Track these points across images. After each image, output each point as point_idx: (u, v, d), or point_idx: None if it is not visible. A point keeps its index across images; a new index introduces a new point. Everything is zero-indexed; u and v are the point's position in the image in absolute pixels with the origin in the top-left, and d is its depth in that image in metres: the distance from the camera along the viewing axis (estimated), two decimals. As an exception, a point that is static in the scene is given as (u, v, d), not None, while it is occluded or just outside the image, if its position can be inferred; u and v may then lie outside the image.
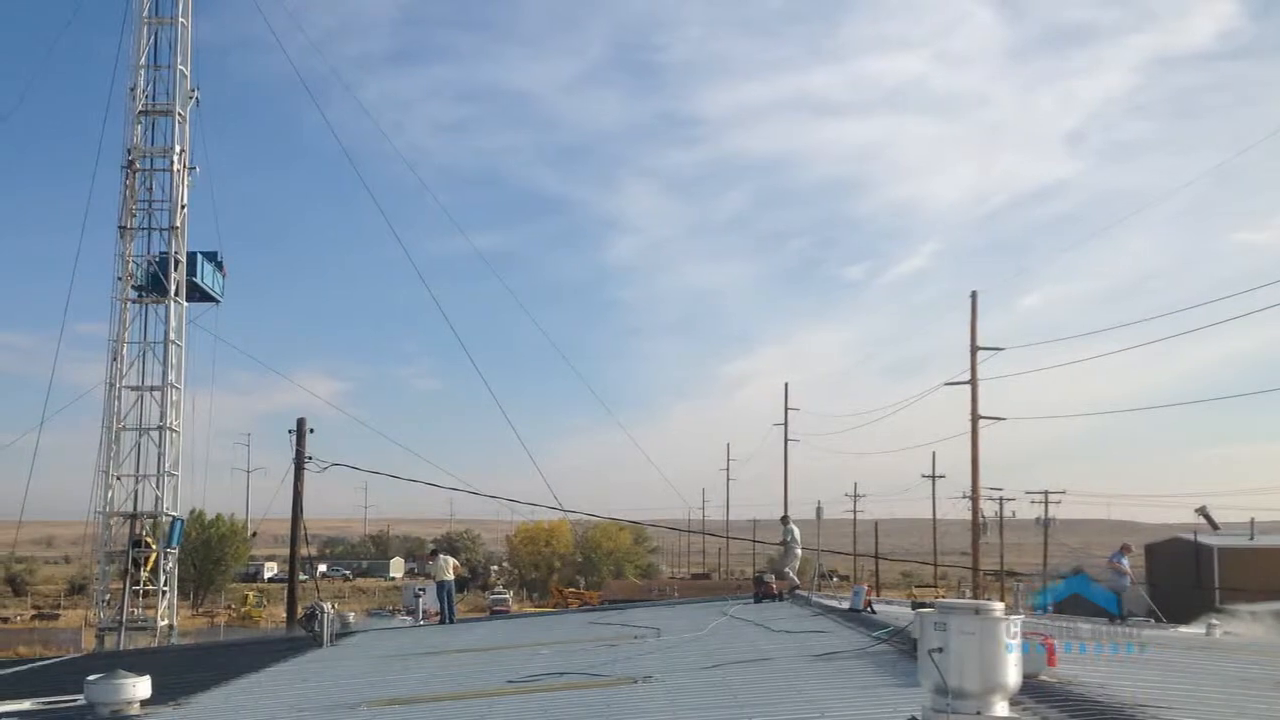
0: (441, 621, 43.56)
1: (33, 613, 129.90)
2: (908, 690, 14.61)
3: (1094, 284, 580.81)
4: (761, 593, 35.91)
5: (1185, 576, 65.65)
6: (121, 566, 56.63)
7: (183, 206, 58.51)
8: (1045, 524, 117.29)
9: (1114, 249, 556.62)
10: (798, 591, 37.73)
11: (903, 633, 20.14)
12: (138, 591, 56.48)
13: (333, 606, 35.57)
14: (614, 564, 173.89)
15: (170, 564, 58.09)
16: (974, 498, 72.38)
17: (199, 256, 60.60)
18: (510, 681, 21.06)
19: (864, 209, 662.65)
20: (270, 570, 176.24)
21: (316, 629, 32.61)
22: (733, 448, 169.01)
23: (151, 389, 58.05)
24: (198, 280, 59.91)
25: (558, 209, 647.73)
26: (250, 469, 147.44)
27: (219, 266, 63.00)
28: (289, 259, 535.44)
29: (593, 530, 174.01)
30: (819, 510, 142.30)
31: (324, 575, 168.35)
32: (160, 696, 20.87)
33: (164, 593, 57.10)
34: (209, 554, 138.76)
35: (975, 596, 59.93)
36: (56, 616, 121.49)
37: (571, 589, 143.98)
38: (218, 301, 62.84)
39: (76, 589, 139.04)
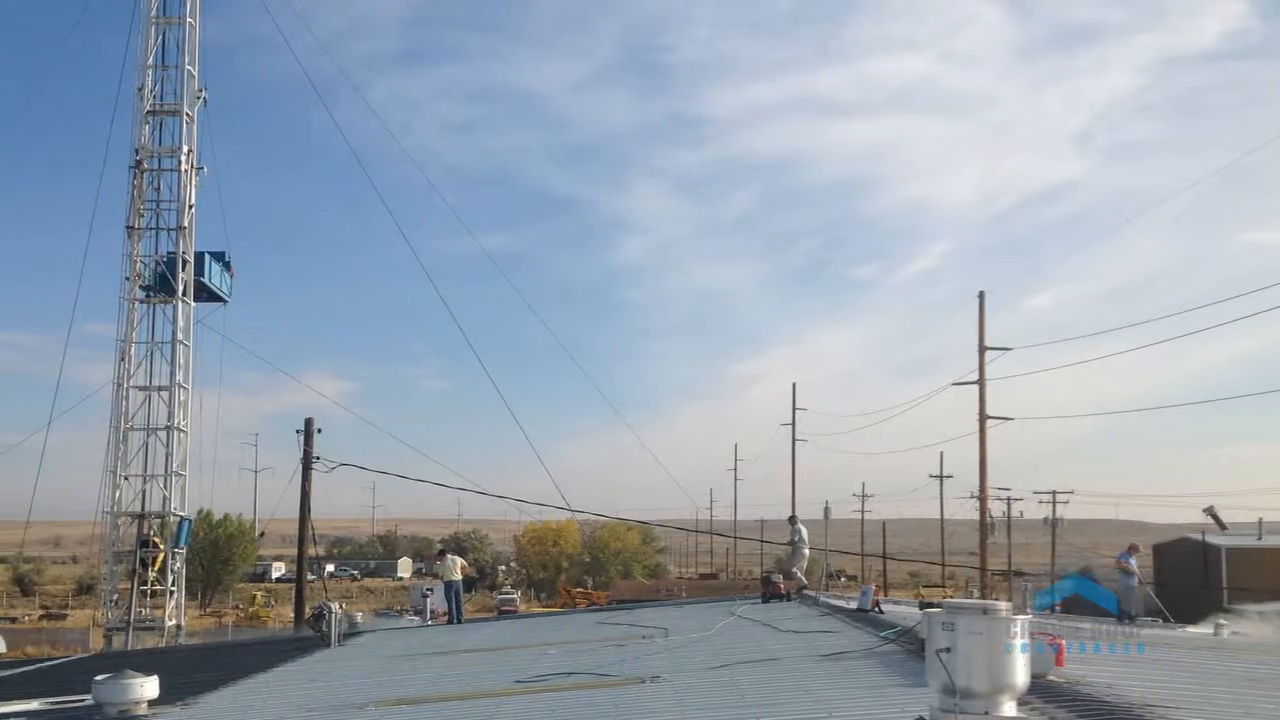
0: (449, 621, 43.53)
1: (40, 613, 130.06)
2: (915, 690, 14.60)
3: (1101, 284, 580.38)
4: (769, 593, 35.93)
5: (1193, 576, 65.55)
6: (129, 566, 56.63)
7: (190, 206, 58.49)
8: (1053, 524, 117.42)
9: (1122, 249, 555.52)
10: (805, 591, 37.73)
11: (910, 633, 20.15)
12: (145, 591, 56.43)
13: (340, 606, 35.59)
14: (622, 564, 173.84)
15: (178, 564, 58.02)
16: (982, 498, 72.38)
17: (207, 256, 60.59)
18: (518, 681, 21.07)
19: (873, 209, 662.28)
20: (278, 570, 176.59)
21: (324, 629, 32.61)
22: (741, 448, 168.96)
23: (159, 389, 58.04)
24: (205, 280, 59.92)
25: (566, 209, 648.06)
26: (258, 469, 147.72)
27: (227, 267, 62.98)
28: (297, 259, 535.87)
29: (600, 530, 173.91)
30: (827, 510, 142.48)
31: (332, 575, 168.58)
32: (168, 696, 20.88)
33: (172, 593, 57.07)
34: (217, 554, 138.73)
35: (983, 596, 59.93)
36: (64, 616, 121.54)
37: (579, 589, 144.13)
38: (225, 302, 62.86)
39: (84, 589, 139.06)
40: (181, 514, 57.65)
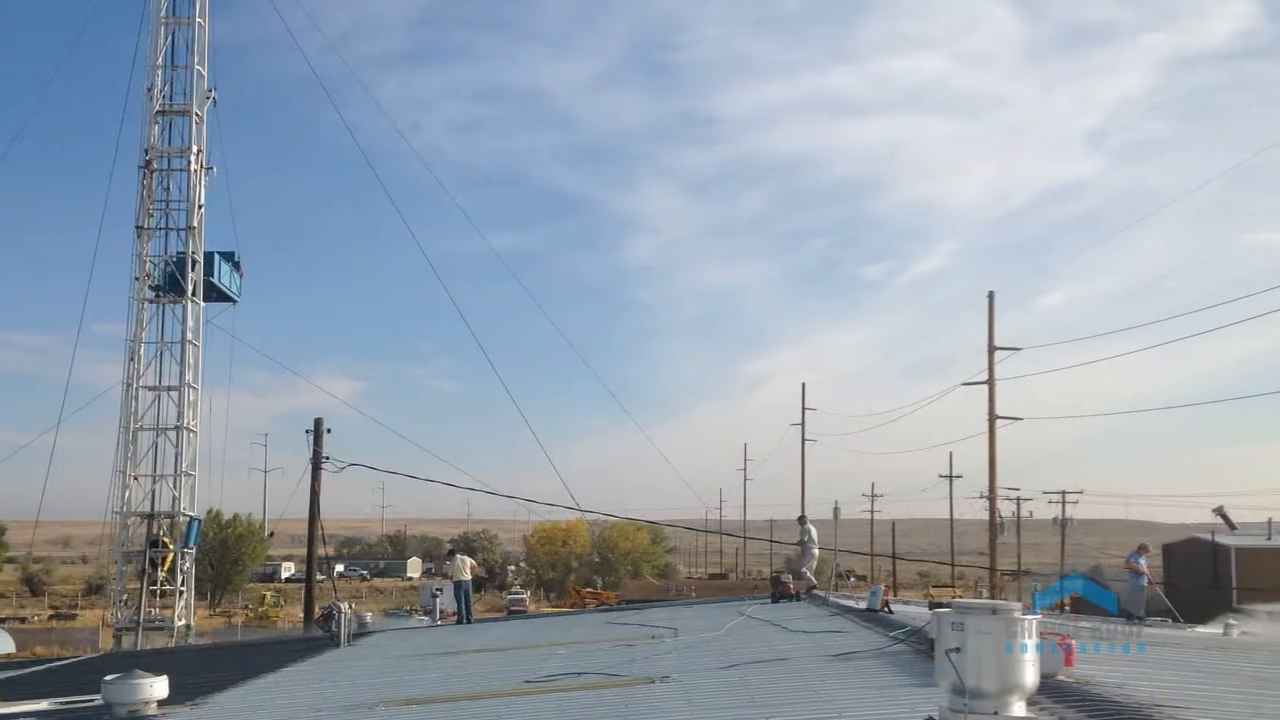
0: (459, 621, 43.55)
1: (50, 613, 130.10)
2: (925, 690, 14.58)
3: (1111, 284, 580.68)
4: (779, 593, 35.88)
5: (1203, 576, 65.46)
6: (139, 566, 56.73)
7: (200, 206, 58.64)
8: (1063, 524, 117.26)
9: (1131, 249, 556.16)
10: (815, 591, 37.69)
11: (920, 633, 20.12)
12: (155, 591, 56.58)
13: (350, 606, 35.60)
14: (631, 564, 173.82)
15: (187, 564, 58.18)
16: (991, 498, 72.37)
17: (216, 256, 60.72)
18: (527, 681, 21.07)
19: (883, 209, 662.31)
20: (287, 570, 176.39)
21: (334, 629, 32.63)
22: (750, 448, 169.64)
23: (169, 389, 58.16)
24: (215, 280, 60.02)
25: (576, 209, 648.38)
26: (267, 469, 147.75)
27: (236, 266, 63.09)
28: (306, 259, 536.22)
29: (610, 530, 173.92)
30: (836, 510, 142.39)
31: (341, 575, 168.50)
32: (177, 696, 20.89)
33: (181, 593, 57.19)
34: (226, 554, 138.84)
35: (992, 596, 59.89)
36: (74, 616, 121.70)
37: (589, 589, 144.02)
38: (235, 301, 62.96)
39: (94, 589, 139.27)
40: (191, 514, 57.74)
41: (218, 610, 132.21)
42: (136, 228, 57.70)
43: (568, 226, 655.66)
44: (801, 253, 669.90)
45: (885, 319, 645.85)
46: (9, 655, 23.63)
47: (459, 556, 45.32)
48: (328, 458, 45.03)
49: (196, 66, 59.01)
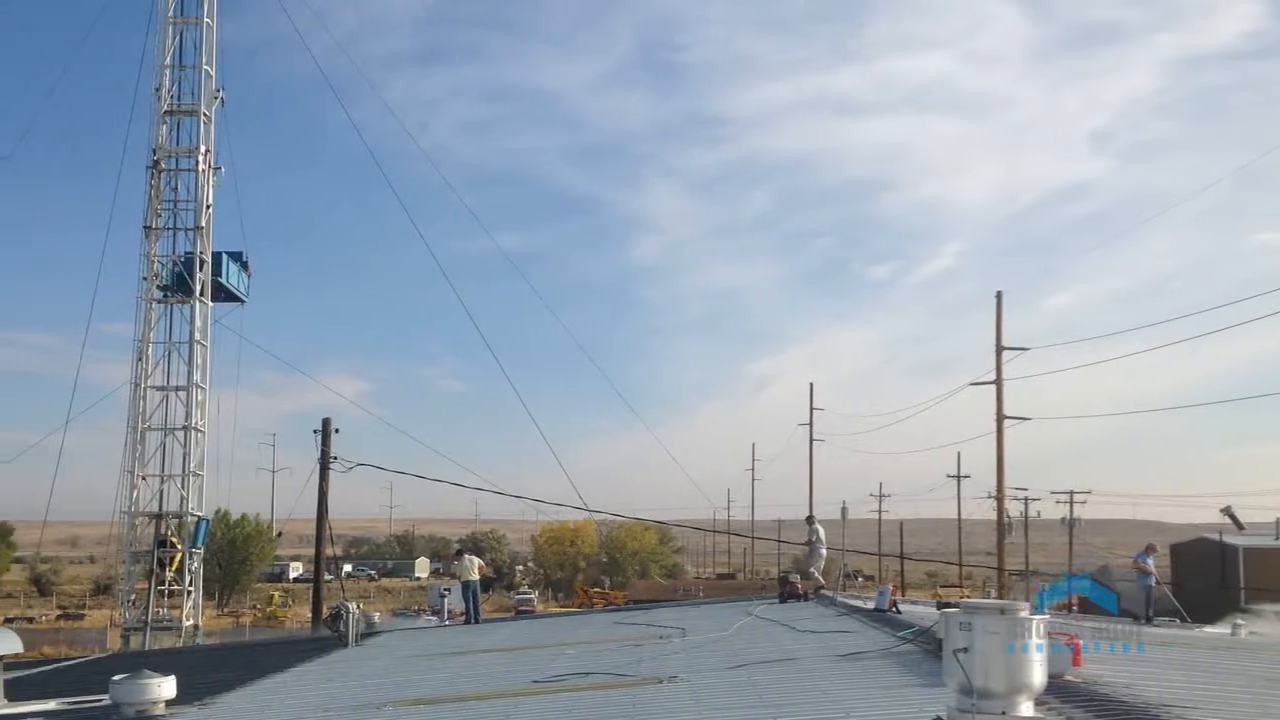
0: (467, 621, 43.52)
1: (58, 613, 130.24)
2: (933, 690, 14.58)
3: (1118, 284, 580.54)
4: (786, 593, 35.90)
5: (1210, 576, 65.49)
6: (147, 566, 56.77)
7: (208, 206, 58.64)
8: (1070, 524, 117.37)
9: (1139, 249, 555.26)
10: (823, 591, 37.70)
11: (928, 633, 20.13)
12: (163, 591, 56.56)
13: (358, 606, 35.64)
14: (639, 564, 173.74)
15: (195, 564, 58.16)
16: (999, 498, 72.30)
17: (224, 256, 60.76)
18: (535, 681, 21.08)
19: (889, 209, 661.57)
20: (295, 570, 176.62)
21: (342, 629, 32.64)
22: (758, 448, 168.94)
23: (177, 389, 58.20)
24: (223, 280, 60.07)
25: (582, 209, 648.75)
26: (275, 469, 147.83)
27: (244, 266, 63.12)
28: (314, 259, 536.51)
29: (618, 530, 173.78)
30: (844, 510, 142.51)
31: (349, 575, 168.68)
32: (185, 697, 20.92)
33: (189, 593, 57.21)
34: (234, 554, 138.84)
35: (1000, 597, 59.88)
36: (82, 616, 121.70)
37: (596, 589, 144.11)
38: (243, 301, 63.02)
39: (102, 589, 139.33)
40: (199, 514, 57.80)
41: (225, 610, 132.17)
42: (144, 228, 57.76)
43: (574, 226, 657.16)
44: (807, 253, 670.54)
45: (892, 319, 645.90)
46: (17, 655, 23.53)
47: (467, 556, 45.30)
48: (335, 458, 45.13)
49: (204, 66, 59.08)
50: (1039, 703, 11.53)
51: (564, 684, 20.34)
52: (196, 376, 57.97)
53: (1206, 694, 16.09)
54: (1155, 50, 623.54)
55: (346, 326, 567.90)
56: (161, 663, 25.71)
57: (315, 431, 46.39)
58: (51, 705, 23.06)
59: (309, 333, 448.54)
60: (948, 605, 16.33)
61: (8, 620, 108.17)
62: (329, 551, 49.20)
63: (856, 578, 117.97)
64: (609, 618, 39.91)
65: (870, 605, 30.18)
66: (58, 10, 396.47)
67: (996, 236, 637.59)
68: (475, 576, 44.24)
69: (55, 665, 36.52)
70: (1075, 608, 36.59)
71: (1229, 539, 70.13)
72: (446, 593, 56.46)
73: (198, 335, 58.10)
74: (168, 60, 58.81)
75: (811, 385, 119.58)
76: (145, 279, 57.75)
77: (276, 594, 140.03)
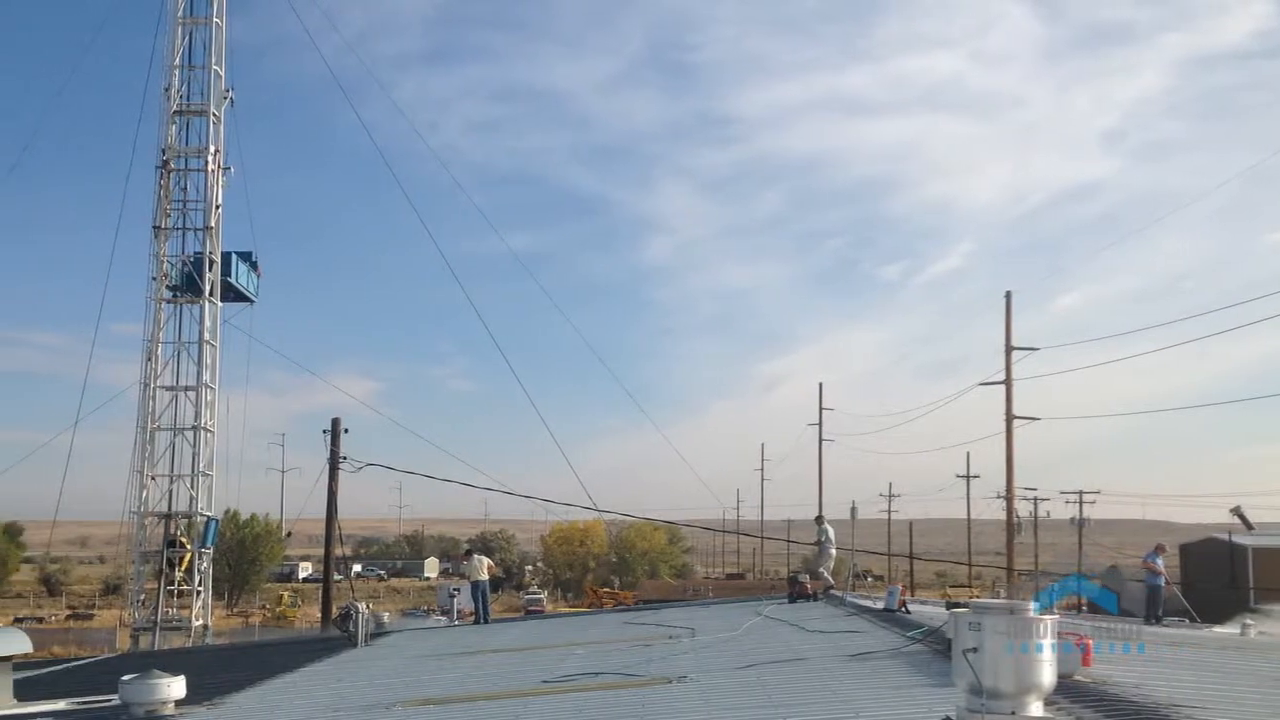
0: (476, 621, 43.57)
1: (68, 613, 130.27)
2: (942, 690, 14.59)
3: (1129, 284, 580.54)
4: (796, 593, 35.90)
5: (1220, 576, 65.27)
6: (156, 566, 56.76)
7: (217, 206, 58.71)
8: (1080, 524, 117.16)
9: (1149, 249, 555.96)
10: (832, 591, 37.70)
11: (937, 633, 20.12)
12: (172, 591, 56.60)
13: (368, 606, 35.63)
14: (648, 564, 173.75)
15: (205, 564, 58.22)
16: (1009, 498, 72.32)
17: (234, 256, 60.76)
18: (545, 681, 21.09)
19: (899, 209, 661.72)
20: (305, 570, 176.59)
21: (351, 629, 32.69)
22: (767, 448, 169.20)
23: (186, 389, 58.21)
24: (232, 280, 60.07)
25: (592, 209, 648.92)
26: (285, 469, 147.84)
27: (253, 266, 63.14)
28: (324, 258, 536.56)
29: (627, 530, 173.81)
30: (853, 510, 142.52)
31: (359, 575, 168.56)
32: (195, 697, 20.95)
33: (198, 593, 57.23)
34: (244, 554, 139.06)
35: (1010, 596, 59.85)
36: (91, 616, 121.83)
37: (606, 589, 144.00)
38: (252, 301, 62.99)
39: (111, 589, 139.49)
40: (208, 514, 57.79)
41: (235, 610, 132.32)
42: (154, 228, 57.76)
43: (584, 226, 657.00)
44: (818, 253, 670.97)
45: (902, 319, 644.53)
46: (26, 655, 23.55)
47: (476, 556, 45.32)
48: (345, 458, 45.07)
49: (214, 66, 59.08)
50: (1048, 703, 11.54)
51: (573, 684, 20.36)
52: (206, 376, 57.99)
53: (1216, 694, 16.08)
54: (1165, 50, 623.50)
55: (356, 326, 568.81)
56: (171, 663, 25.75)
57: (324, 431, 46.36)
58: (61, 705, 23.10)
59: (318, 333, 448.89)
60: (957, 605, 16.31)
61: (17, 620, 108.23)
62: (338, 551, 49.25)
63: (866, 578, 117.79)
64: (618, 618, 39.91)
65: (879, 605, 30.22)
66: (66, 10, 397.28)
67: (1006, 236, 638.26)
68: (484, 576, 44.28)
69: (65, 665, 36.62)
70: (1084, 608, 36.56)
71: (1238, 539, 69.88)
72: (456, 593, 56.32)
73: (207, 335, 58.11)
74: (177, 60, 58.81)
75: (821, 385, 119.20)
76: (154, 279, 57.76)
77: (286, 594, 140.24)
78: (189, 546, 56.77)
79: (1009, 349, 68.96)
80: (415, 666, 26.74)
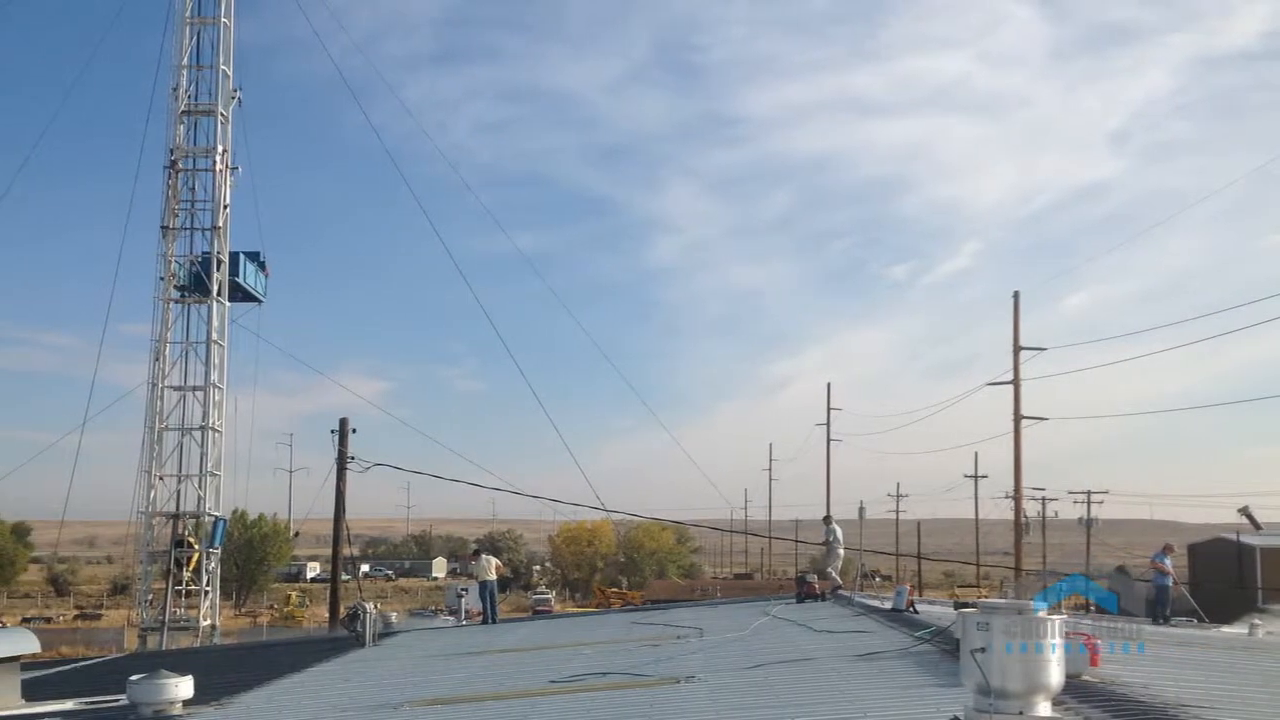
0: (484, 621, 43.57)
1: (75, 613, 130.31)
2: (950, 690, 14.58)
3: (1136, 284, 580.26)
4: (804, 593, 35.92)
5: (1228, 576, 65.21)
6: (164, 566, 56.83)
7: (225, 206, 58.72)
8: (1088, 524, 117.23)
9: (1156, 249, 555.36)
10: (840, 591, 37.69)
11: (945, 633, 20.11)
12: (180, 591, 56.64)
13: (375, 606, 35.67)
14: (656, 564, 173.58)
15: (213, 564, 58.23)
16: (1017, 498, 72.27)
17: (241, 256, 60.80)
18: (553, 681, 21.08)
19: (907, 209, 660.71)
20: (313, 570, 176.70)
21: (359, 629, 32.68)
22: (775, 448, 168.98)
23: (194, 389, 58.27)
24: (240, 280, 60.12)
25: (600, 209, 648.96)
26: (293, 469, 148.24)
27: (261, 266, 63.16)
28: (332, 258, 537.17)
29: (635, 530, 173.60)
30: (861, 510, 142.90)
31: (366, 575, 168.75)
32: (202, 697, 20.96)
33: (206, 593, 57.28)
34: (251, 554, 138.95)
35: (1018, 596, 59.80)
36: (99, 616, 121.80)
37: (614, 589, 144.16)
38: (260, 301, 63.06)
39: (119, 589, 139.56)
40: (216, 514, 57.87)
41: (243, 610, 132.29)
42: (162, 228, 57.83)
43: (592, 227, 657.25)
44: (826, 253, 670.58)
45: (910, 319, 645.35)
46: (34, 655, 23.59)
47: (484, 556, 45.28)
48: (353, 458, 45.16)
49: (222, 66, 59.17)
50: (1056, 703, 11.53)
51: (581, 684, 20.34)
52: (214, 376, 58.05)
53: (1224, 694, 16.06)
54: (1172, 51, 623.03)
55: (365, 326, 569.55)
56: (179, 663, 25.74)
57: (332, 431, 46.45)
58: (69, 705, 23.13)
59: (327, 333, 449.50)
60: (965, 605, 16.29)
61: (25, 620, 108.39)
62: (346, 551, 49.21)
63: (874, 578, 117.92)
64: (626, 618, 39.88)
65: (888, 605, 30.19)
66: (74, 11, 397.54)
67: (1014, 237, 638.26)
68: (492, 576, 44.22)
69: (73, 665, 36.63)
70: (1093, 608, 36.52)
71: (1246, 539, 69.77)
72: (464, 593, 56.54)
73: (215, 335, 58.16)
74: (185, 60, 58.90)
75: (829, 385, 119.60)
76: (162, 279, 57.83)
77: (294, 594, 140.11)
78: (197, 546, 56.82)
79: (1017, 349, 68.91)
80: (423, 666, 26.75)
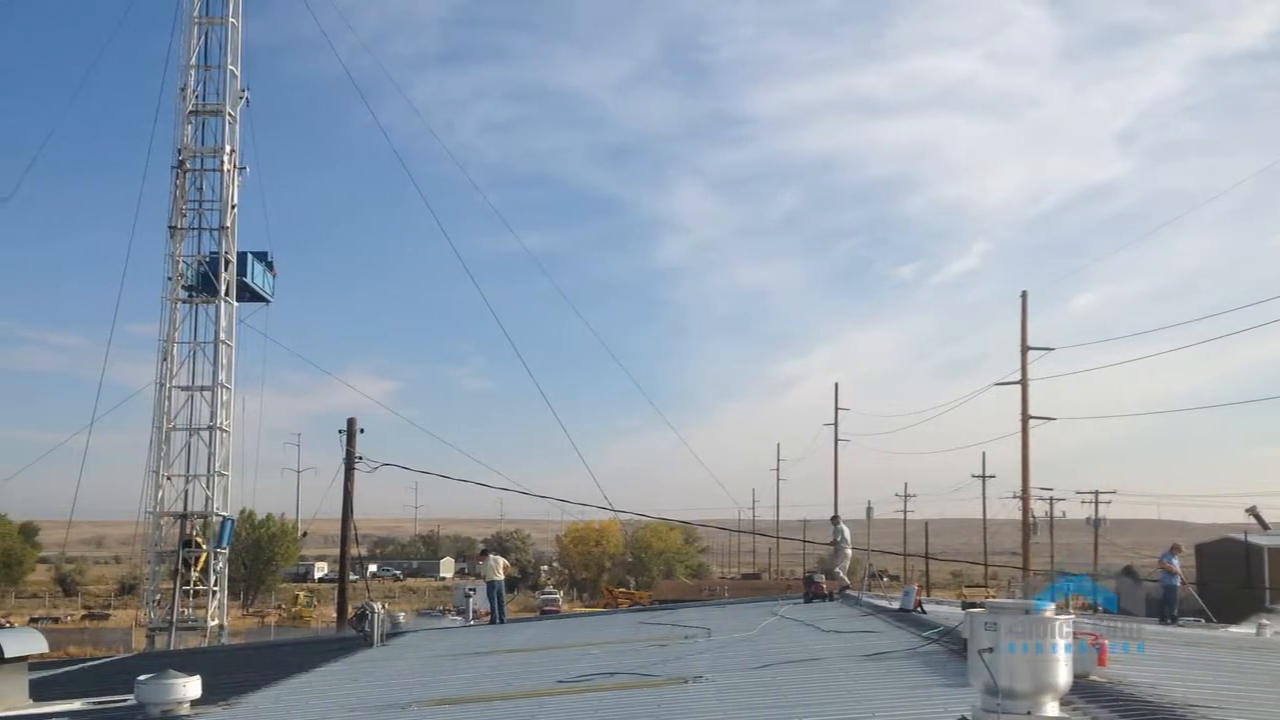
0: (492, 621, 43.57)
1: (83, 613, 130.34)
2: (958, 690, 14.57)
3: (1144, 284, 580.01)
4: (812, 593, 35.86)
5: (1235, 576, 65.12)
6: (172, 566, 56.81)
7: (233, 206, 58.74)
8: (1096, 524, 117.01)
9: (1164, 249, 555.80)
10: (848, 591, 37.66)
11: (953, 633, 20.10)
12: (188, 591, 56.69)
13: (383, 606, 35.68)
14: (664, 564, 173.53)
15: (220, 564, 58.28)
16: (1024, 498, 72.30)
17: (249, 256, 60.77)
18: (560, 681, 21.09)
19: (914, 209, 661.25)
20: (321, 570, 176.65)
21: (367, 629, 32.71)
22: (783, 448, 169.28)
23: (202, 389, 58.26)
24: (248, 280, 60.08)
25: (607, 209, 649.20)
26: (300, 469, 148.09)
27: (269, 266, 63.15)
28: (339, 258, 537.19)
29: (643, 530, 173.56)
30: (869, 510, 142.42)
31: (374, 575, 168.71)
32: (210, 697, 20.98)
33: (214, 593, 57.28)
34: (259, 554, 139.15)
35: (1025, 596, 59.74)
36: (107, 616, 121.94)
37: (622, 589, 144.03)
38: (268, 301, 63.02)
39: (127, 589, 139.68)
40: (224, 514, 57.84)
41: (251, 610, 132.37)
42: (170, 228, 57.82)
43: (599, 226, 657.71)
44: (833, 253, 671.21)
45: (917, 319, 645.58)
46: (42, 655, 23.60)
47: (492, 556, 45.29)
48: (361, 458, 45.11)
49: (229, 66, 59.13)
50: (1064, 703, 11.53)
51: (589, 684, 20.35)
52: (221, 376, 58.04)
53: (1231, 694, 16.06)
54: (1181, 51, 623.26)
55: (372, 326, 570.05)
56: (186, 663, 25.79)
57: (340, 431, 46.39)
58: (77, 705, 23.15)
59: (335, 333, 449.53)
60: (973, 605, 16.28)
61: (33, 620, 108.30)
62: (354, 551, 49.23)
63: (882, 578, 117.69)
64: (634, 618, 39.86)
65: (895, 605, 30.19)
66: (82, 11, 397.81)
67: (1022, 236, 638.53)
68: (500, 576, 44.25)
69: (80, 665, 36.70)
70: (1100, 608, 36.48)
71: (1254, 539, 69.67)
72: (471, 593, 56.38)
73: (223, 335, 58.16)
74: (193, 60, 58.88)
75: (836, 385, 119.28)
76: (170, 279, 57.80)
77: (301, 594, 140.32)
78: (204, 546, 56.83)
79: (1024, 349, 68.94)
80: (431, 666, 26.76)
